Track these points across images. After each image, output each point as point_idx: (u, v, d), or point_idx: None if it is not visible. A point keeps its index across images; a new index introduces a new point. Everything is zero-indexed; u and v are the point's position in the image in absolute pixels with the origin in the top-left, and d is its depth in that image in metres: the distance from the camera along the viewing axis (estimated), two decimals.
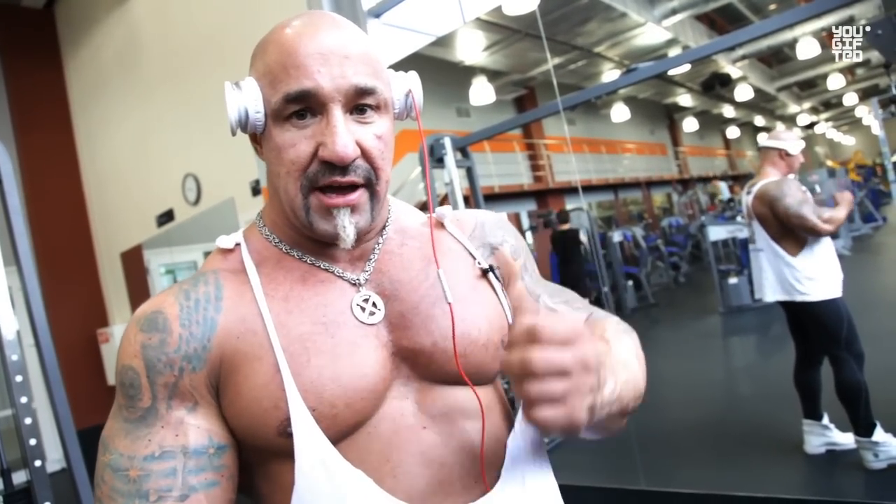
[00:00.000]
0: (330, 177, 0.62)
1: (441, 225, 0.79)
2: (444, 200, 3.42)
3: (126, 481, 0.58)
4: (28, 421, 1.68)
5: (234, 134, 0.67)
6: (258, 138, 0.69)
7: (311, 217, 0.64)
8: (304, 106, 0.62)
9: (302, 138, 0.62)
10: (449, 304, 0.69)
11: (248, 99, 0.63)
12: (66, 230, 5.97)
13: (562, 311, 0.73)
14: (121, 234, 5.81)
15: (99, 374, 5.78)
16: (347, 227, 0.64)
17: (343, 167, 0.62)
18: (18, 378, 1.70)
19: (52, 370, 1.78)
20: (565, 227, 6.45)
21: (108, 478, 0.59)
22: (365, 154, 0.64)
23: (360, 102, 0.63)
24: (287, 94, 0.61)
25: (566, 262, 6.32)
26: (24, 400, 1.69)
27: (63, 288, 5.69)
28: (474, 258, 0.77)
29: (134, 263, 5.63)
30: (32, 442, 1.68)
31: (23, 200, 5.04)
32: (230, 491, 0.62)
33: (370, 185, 0.65)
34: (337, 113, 0.62)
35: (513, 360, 0.52)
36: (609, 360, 0.57)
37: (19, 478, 1.70)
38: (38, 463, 1.68)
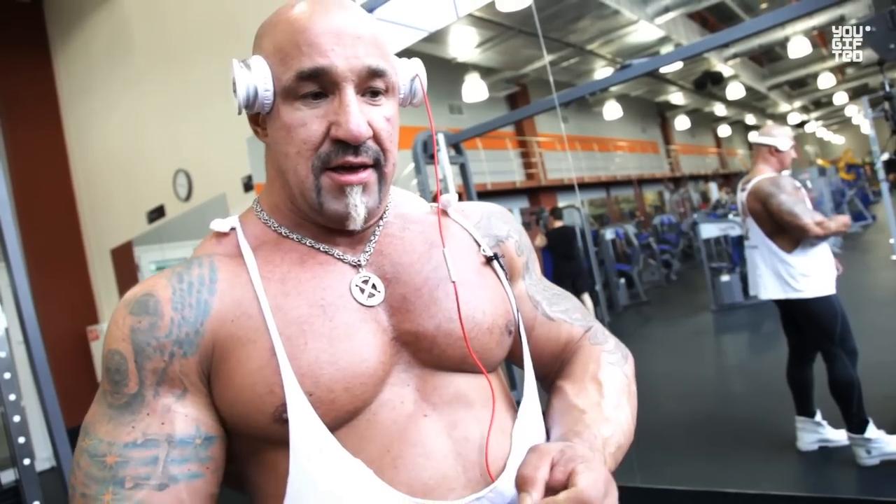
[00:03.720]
0: (343, 156, 0.62)
1: (445, 213, 0.79)
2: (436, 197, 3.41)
3: (102, 467, 0.56)
4: (17, 419, 1.66)
5: (239, 113, 0.67)
6: (259, 120, 0.68)
7: (323, 198, 0.64)
8: (316, 84, 0.62)
9: (313, 117, 0.62)
10: (453, 281, 0.68)
11: (258, 77, 0.62)
12: (56, 226, 5.90)
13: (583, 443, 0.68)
14: (111, 231, 5.75)
15: (89, 372, 5.73)
16: (359, 205, 0.64)
17: (356, 147, 0.62)
18: (7, 375, 1.68)
19: (42, 367, 1.75)
20: (558, 224, 6.41)
21: (83, 463, 0.57)
22: (375, 135, 0.63)
23: (370, 85, 0.63)
24: (301, 72, 0.61)
25: (562, 260, 6.29)
26: (12, 397, 1.67)
27: (52, 285, 5.62)
28: (479, 245, 0.76)
29: (124, 260, 5.59)
30: (21, 440, 1.66)
31: (11, 195, 4.98)
32: (213, 485, 0.60)
33: (379, 166, 0.65)
34: (350, 92, 0.61)
35: None
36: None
37: (8, 476, 1.69)
38: (27, 461, 1.66)
